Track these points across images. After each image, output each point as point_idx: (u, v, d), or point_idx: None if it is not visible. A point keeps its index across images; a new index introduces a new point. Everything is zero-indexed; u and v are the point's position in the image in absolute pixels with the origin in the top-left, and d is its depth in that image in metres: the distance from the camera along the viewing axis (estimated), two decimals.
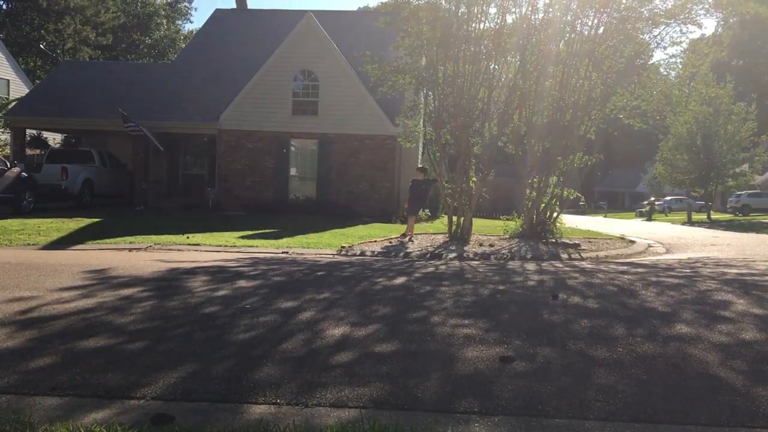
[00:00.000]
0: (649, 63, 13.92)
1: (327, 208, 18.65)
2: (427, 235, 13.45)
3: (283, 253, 9.81)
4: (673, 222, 31.61)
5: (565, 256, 10.26)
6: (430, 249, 10.73)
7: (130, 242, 10.46)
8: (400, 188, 20.70)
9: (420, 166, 14.38)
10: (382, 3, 14.66)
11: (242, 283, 6.33)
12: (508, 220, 15.07)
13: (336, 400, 3.01)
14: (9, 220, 13.26)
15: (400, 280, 6.85)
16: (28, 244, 9.95)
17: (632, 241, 13.88)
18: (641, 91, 13.05)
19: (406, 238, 12.22)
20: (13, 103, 23.49)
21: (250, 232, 12.74)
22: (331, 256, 9.57)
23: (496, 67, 13.03)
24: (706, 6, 11.93)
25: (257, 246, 10.60)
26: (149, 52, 53.53)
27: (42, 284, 5.94)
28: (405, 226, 13.07)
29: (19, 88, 30.74)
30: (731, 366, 3.64)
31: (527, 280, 7.08)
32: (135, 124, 18.56)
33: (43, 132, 25.20)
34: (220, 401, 3.00)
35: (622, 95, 13.10)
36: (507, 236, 13.58)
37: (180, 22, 58.84)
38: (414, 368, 3.52)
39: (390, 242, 11.73)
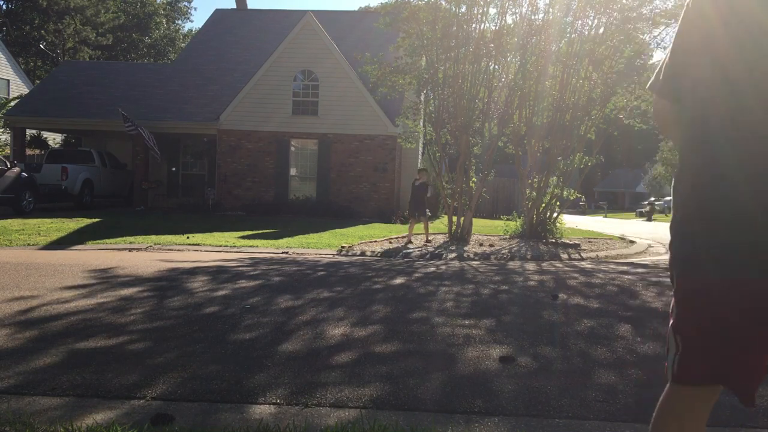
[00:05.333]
0: (649, 63, 13.92)
1: (327, 208, 18.65)
2: (424, 235, 13.44)
3: (283, 253, 9.81)
4: None
5: (565, 256, 10.26)
6: (430, 249, 10.73)
7: (130, 242, 10.46)
8: (400, 188, 20.70)
9: (420, 167, 14.13)
10: (382, 4, 14.66)
11: (242, 283, 6.33)
12: (508, 220, 15.08)
13: (336, 400, 3.01)
14: (9, 220, 13.26)
15: (400, 280, 6.85)
16: (28, 244, 9.94)
17: (632, 242, 13.89)
18: (641, 91, 13.05)
19: (407, 240, 12.17)
20: (13, 103, 23.49)
21: (250, 232, 12.74)
22: (332, 256, 9.57)
23: (497, 67, 13.04)
24: None
25: (257, 246, 10.60)
26: (149, 52, 53.55)
27: (42, 284, 5.94)
28: (405, 227, 13.07)
29: (19, 88, 30.75)
30: None
31: (527, 280, 7.08)
32: (133, 125, 18.54)
33: (43, 132, 25.19)
34: (220, 401, 3.00)
35: (622, 95, 13.10)
36: (507, 236, 13.59)
37: (180, 22, 58.87)
38: (414, 368, 3.52)
39: (390, 242, 11.73)
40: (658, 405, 1.55)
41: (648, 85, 1.59)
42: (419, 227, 12.89)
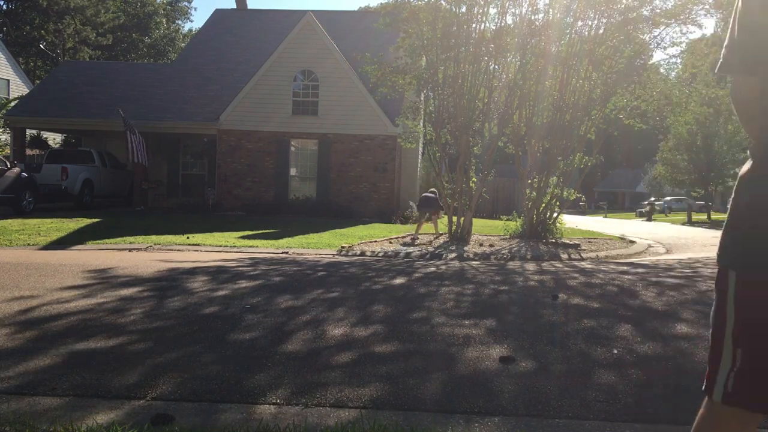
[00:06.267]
0: (650, 63, 13.92)
1: (327, 208, 18.66)
2: (427, 235, 13.46)
3: (283, 253, 9.81)
4: (673, 222, 31.61)
5: (565, 256, 10.26)
6: (431, 249, 10.72)
7: (130, 242, 10.46)
8: (400, 188, 20.70)
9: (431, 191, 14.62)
10: (382, 4, 14.66)
11: (242, 283, 6.33)
12: (508, 220, 15.08)
13: (336, 401, 3.01)
14: (9, 220, 13.26)
15: (400, 280, 6.85)
16: (28, 244, 9.94)
17: (632, 242, 13.88)
18: (641, 91, 13.05)
19: (411, 238, 12.44)
20: (13, 103, 23.50)
21: (250, 232, 12.74)
22: (332, 256, 9.57)
23: (497, 67, 13.04)
24: (706, 6, 11.94)
25: (257, 246, 10.60)
26: (149, 52, 53.55)
27: (42, 284, 5.94)
28: (405, 227, 13.16)
29: (19, 88, 30.76)
30: None
31: (527, 280, 7.08)
32: (126, 127, 18.50)
33: (43, 132, 25.19)
34: (220, 401, 3.00)
35: (622, 95, 13.10)
36: (507, 236, 13.59)
37: (180, 22, 58.88)
38: (414, 368, 3.52)
39: (390, 242, 11.73)
40: (695, 426, 1.38)
41: (719, 68, 1.43)
42: (421, 227, 13.37)
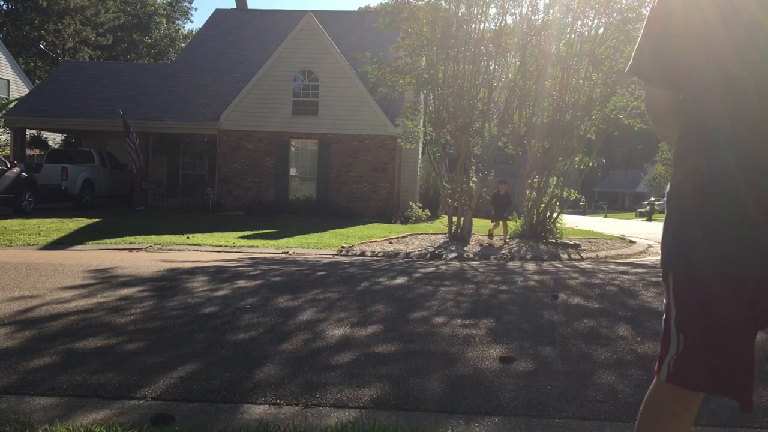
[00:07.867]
0: None
1: (327, 208, 18.66)
2: (427, 235, 13.45)
3: (283, 253, 9.81)
4: None
5: (565, 256, 10.26)
6: (430, 249, 10.72)
7: (130, 242, 10.46)
8: (400, 188, 20.69)
9: (500, 179, 13.98)
10: (382, 4, 14.67)
11: (242, 283, 6.33)
12: (508, 220, 15.07)
13: (336, 401, 3.01)
14: (9, 220, 13.25)
15: (400, 280, 6.85)
16: (28, 244, 9.94)
17: (632, 242, 13.88)
18: (641, 91, 13.04)
19: (491, 239, 12.49)
20: (13, 103, 23.48)
21: (250, 233, 12.74)
22: (332, 256, 9.57)
23: (496, 67, 13.05)
24: None
25: (257, 246, 10.60)
26: (149, 52, 53.54)
27: (42, 284, 5.94)
28: (405, 227, 13.11)
29: (19, 88, 30.73)
30: None
31: (527, 280, 7.08)
32: (126, 129, 18.48)
33: (43, 132, 25.19)
34: (220, 401, 2.99)
35: (622, 95, 13.10)
36: (507, 236, 13.58)
37: (180, 22, 58.86)
38: (414, 368, 3.52)
39: (390, 243, 11.73)
40: (644, 403, 1.53)
41: (629, 68, 1.48)
42: (418, 227, 13.14)
